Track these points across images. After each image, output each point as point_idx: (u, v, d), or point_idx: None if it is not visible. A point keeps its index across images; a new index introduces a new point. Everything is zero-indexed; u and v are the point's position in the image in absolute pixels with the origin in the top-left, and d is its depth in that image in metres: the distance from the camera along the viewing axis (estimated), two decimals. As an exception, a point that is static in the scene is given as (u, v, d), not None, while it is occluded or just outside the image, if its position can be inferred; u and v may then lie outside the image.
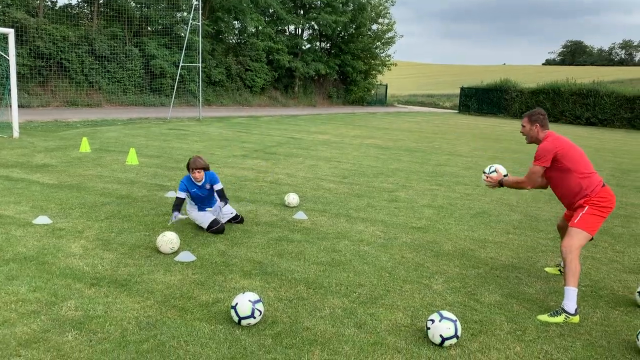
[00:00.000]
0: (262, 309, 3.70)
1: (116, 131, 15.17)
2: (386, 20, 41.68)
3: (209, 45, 28.87)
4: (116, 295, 4.08)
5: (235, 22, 32.27)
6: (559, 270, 5.21)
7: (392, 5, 41.44)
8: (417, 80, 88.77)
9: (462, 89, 42.59)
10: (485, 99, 40.33)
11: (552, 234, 6.64)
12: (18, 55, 19.32)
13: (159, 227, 5.83)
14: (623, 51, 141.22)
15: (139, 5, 26.83)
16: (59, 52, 22.69)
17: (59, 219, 6.05)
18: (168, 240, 5.05)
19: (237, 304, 3.65)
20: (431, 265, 5.24)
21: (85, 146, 11.21)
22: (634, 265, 5.66)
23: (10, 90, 12.58)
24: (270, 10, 35.08)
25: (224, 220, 6.01)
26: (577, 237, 4.26)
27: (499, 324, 3.98)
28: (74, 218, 6.11)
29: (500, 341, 3.71)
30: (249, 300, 3.65)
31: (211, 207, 5.98)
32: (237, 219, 6.25)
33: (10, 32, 12.32)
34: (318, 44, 39.51)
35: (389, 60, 42.91)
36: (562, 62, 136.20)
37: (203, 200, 5.95)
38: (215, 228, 5.75)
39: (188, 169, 5.82)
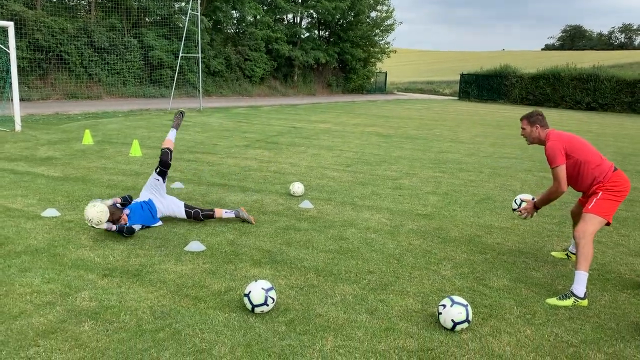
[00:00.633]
0: (274, 297, 3.74)
1: (117, 123, 15.17)
2: (385, 8, 41.51)
3: (208, 35, 28.73)
4: (129, 285, 4.12)
5: (234, 11, 32.10)
6: (566, 254, 5.25)
7: (391, -8, 41.20)
8: (416, 67, 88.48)
9: (461, 75, 42.48)
10: (485, 85, 40.24)
11: (557, 219, 6.68)
12: (17, 48, 19.21)
13: (166, 218, 5.86)
14: (623, 35, 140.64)
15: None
16: (58, 45, 22.59)
17: (67, 211, 6.08)
18: (98, 210, 4.97)
19: (250, 292, 3.69)
20: (438, 251, 5.28)
21: (87, 138, 11.22)
22: (639, 248, 5.70)
23: (11, 83, 12.56)
24: (268, -1, 34.98)
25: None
26: (591, 222, 4.28)
27: (509, 308, 4.03)
28: (82, 210, 6.13)
29: (511, 325, 3.76)
30: (262, 288, 3.69)
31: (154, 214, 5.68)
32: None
33: (10, 25, 12.26)
34: (317, 32, 39.35)
35: (388, 48, 42.77)
36: (562, 47, 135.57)
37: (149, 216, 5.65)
38: (193, 216, 5.75)
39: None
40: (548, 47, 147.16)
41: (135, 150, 10.03)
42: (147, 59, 25.96)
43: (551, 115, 27.85)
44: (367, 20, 40.17)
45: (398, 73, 65.17)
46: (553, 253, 5.37)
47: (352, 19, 38.71)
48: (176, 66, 22.41)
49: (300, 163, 9.85)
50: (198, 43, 21.70)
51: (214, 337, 3.39)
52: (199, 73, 22.23)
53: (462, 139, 14.93)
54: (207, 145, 11.59)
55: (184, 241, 5.17)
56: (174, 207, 5.78)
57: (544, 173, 9.86)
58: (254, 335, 3.43)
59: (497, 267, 4.93)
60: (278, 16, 36.02)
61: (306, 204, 6.76)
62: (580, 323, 3.85)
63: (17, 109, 12.59)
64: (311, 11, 36.65)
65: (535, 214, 4.87)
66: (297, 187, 7.30)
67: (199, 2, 20.99)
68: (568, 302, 4.13)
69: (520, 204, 5.03)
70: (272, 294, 3.72)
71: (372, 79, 44.39)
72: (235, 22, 33.42)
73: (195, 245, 5.01)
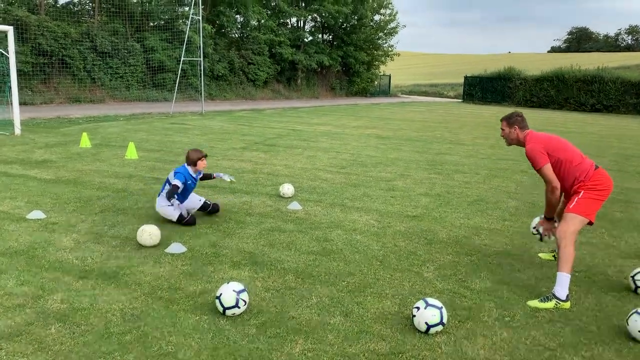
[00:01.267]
0: (246, 299, 3.68)
1: (118, 126, 15.20)
2: (388, 11, 41.46)
3: (211, 40, 28.80)
4: (103, 287, 4.08)
5: (237, 15, 32.19)
6: (553, 256, 5.16)
7: (395, -5, 41.17)
8: (421, 70, 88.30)
9: (465, 77, 42.31)
10: (489, 88, 40.04)
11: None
12: (21, 52, 19.37)
13: (153, 220, 5.82)
14: (630, 37, 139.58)
15: (139, 1, 26.81)
16: (61, 49, 22.73)
17: (53, 213, 6.06)
18: (148, 233, 5.01)
19: (221, 294, 3.64)
20: (423, 253, 5.21)
21: (85, 141, 11.23)
22: (630, 250, 5.60)
23: (11, 87, 12.62)
24: (272, 3, 34.99)
25: (197, 207, 6.03)
26: (572, 222, 4.20)
27: (488, 310, 3.95)
28: (68, 212, 6.12)
29: (488, 327, 3.68)
30: (233, 290, 3.63)
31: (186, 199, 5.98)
32: (207, 209, 6.13)
33: (10, 30, 12.32)
34: (320, 35, 39.35)
35: (391, 51, 42.69)
36: (568, 49, 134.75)
37: (189, 191, 5.95)
38: (187, 220, 5.72)
39: (188, 161, 5.81)
40: (554, 50, 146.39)
41: (131, 152, 10.02)
42: (149, 63, 26.06)
43: (555, 117, 27.65)
44: (371, 23, 40.14)
45: (402, 76, 65.08)
46: (540, 254, 5.28)
47: (356, 22, 38.70)
48: (178, 70, 22.47)
49: (294, 165, 9.80)
50: (200, 47, 21.76)
51: (182, 340, 3.34)
52: (201, 77, 22.26)
53: (463, 141, 14.83)
54: (205, 148, 11.56)
55: (165, 243, 5.13)
56: (173, 213, 5.80)
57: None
58: (222, 339, 3.37)
59: (481, 268, 4.85)
60: (282, 20, 36.10)
61: (294, 206, 6.71)
62: (560, 326, 3.77)
63: (16, 113, 12.63)
64: (315, 15, 36.68)
65: (556, 224, 4.63)
66: (287, 189, 7.25)
67: (200, 7, 21.05)
68: (550, 304, 4.05)
69: (539, 230, 4.90)
70: (244, 296, 3.67)
71: (376, 82, 44.34)
72: (239, 26, 33.52)
73: (176, 247, 4.96)
